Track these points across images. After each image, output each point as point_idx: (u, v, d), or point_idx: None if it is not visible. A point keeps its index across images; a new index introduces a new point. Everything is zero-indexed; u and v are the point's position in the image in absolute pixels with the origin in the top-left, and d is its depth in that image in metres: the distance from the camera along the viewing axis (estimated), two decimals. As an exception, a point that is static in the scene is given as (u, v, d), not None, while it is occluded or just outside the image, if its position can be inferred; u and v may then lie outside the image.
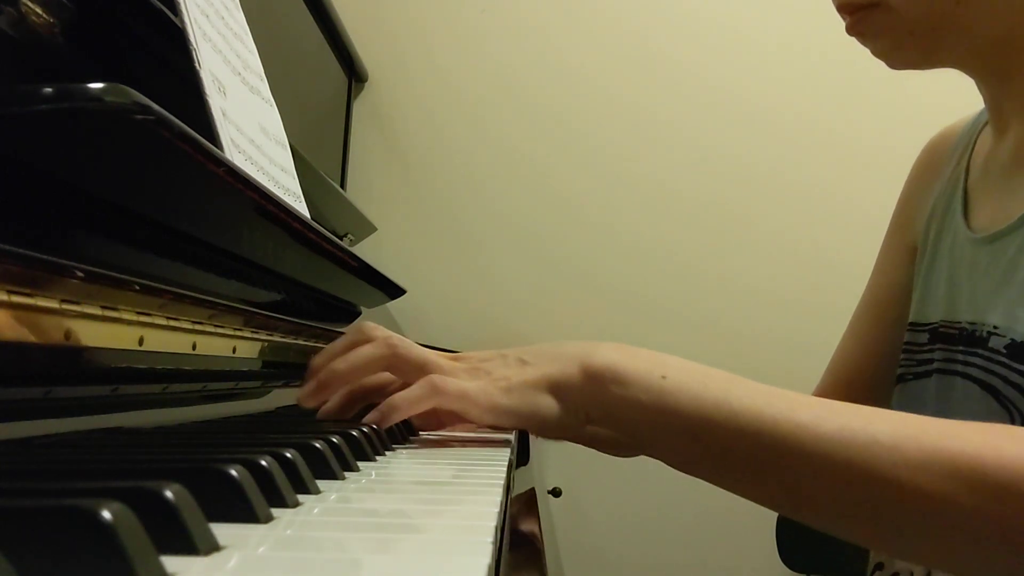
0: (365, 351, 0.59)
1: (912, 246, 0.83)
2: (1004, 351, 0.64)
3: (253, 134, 0.69)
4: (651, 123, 1.60)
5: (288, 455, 0.39)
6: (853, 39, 0.71)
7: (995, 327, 0.65)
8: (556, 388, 0.53)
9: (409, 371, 0.57)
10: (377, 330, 0.61)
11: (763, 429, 0.48)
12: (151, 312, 0.48)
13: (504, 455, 0.57)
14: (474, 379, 0.55)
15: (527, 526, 0.53)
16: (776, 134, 1.59)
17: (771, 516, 1.35)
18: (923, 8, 0.65)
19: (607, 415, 0.52)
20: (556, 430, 0.53)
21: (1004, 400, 0.64)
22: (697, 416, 0.49)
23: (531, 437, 0.74)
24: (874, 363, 0.86)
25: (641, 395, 0.50)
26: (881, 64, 0.73)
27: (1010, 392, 0.63)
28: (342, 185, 1.55)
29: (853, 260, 1.55)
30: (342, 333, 0.91)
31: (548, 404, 0.53)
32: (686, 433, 0.50)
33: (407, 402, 0.55)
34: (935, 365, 0.73)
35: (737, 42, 1.60)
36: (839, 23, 0.71)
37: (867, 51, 0.72)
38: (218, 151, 0.53)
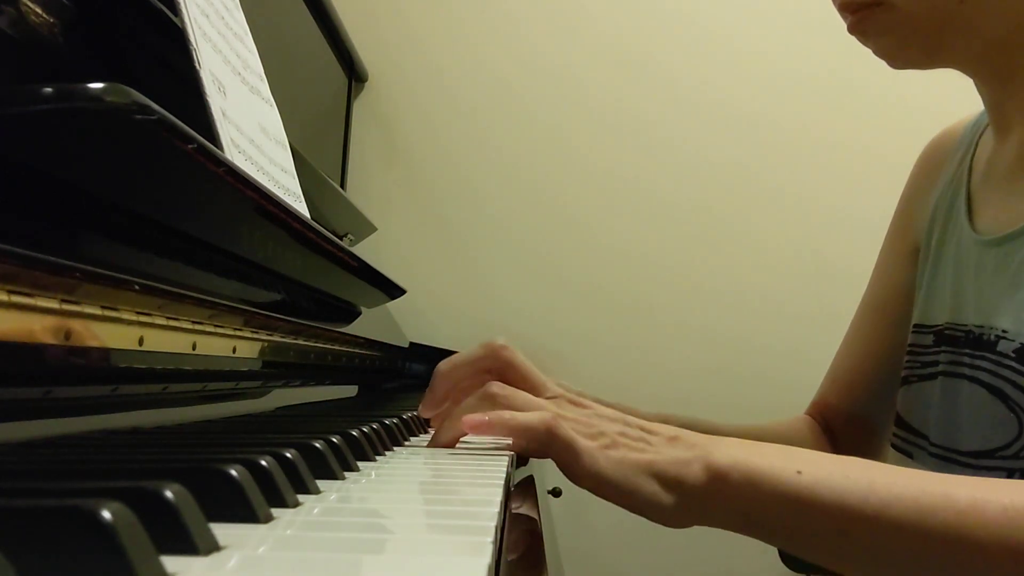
0: (473, 400, 0.57)
1: (914, 246, 0.83)
2: (1013, 355, 0.63)
3: (253, 134, 0.69)
4: (649, 128, 1.61)
5: (288, 455, 0.39)
6: (846, 44, 0.71)
7: (1004, 331, 0.65)
8: (670, 480, 0.49)
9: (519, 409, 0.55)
10: (505, 350, 0.62)
11: (922, 518, 0.45)
12: (151, 312, 0.47)
13: (504, 456, 0.57)
14: (585, 435, 0.52)
15: (527, 525, 0.53)
16: (771, 140, 1.59)
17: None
18: (927, 7, 0.64)
19: (736, 516, 0.49)
20: (657, 517, 0.50)
21: (1012, 404, 0.63)
22: (844, 511, 0.46)
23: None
24: (876, 364, 0.86)
25: (777, 494, 0.47)
26: (875, 69, 0.73)
27: (1018, 396, 0.63)
28: (342, 185, 1.55)
29: (849, 266, 1.55)
30: (342, 333, 0.91)
31: (653, 491, 0.49)
32: (832, 530, 0.47)
33: (517, 424, 0.52)
34: (940, 367, 0.72)
35: (734, 49, 1.61)
36: (833, 28, 0.70)
37: (861, 56, 0.72)
38: (218, 151, 0.53)
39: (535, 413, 0.52)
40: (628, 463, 0.50)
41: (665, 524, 0.50)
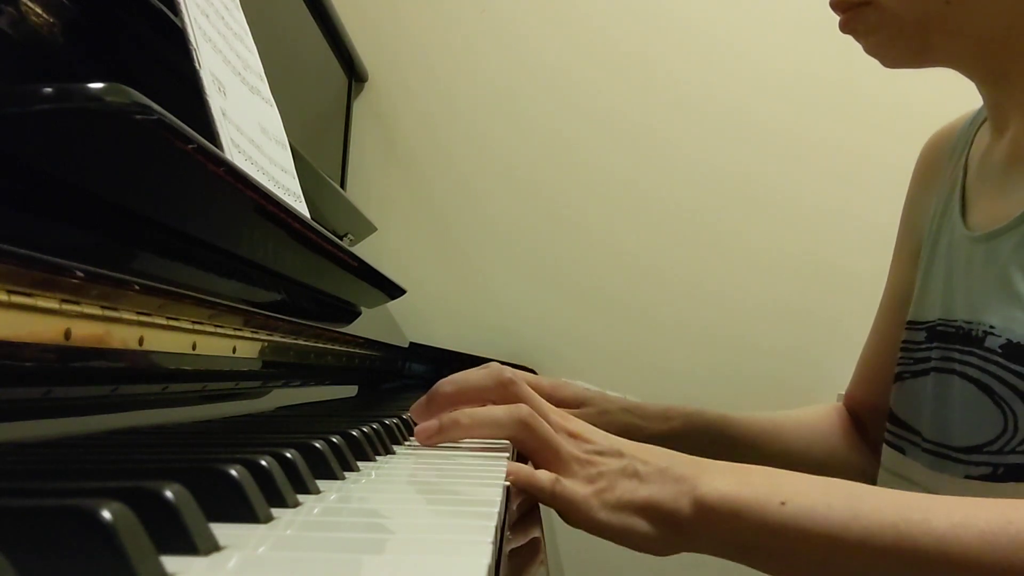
0: (497, 417, 0.57)
1: (918, 246, 0.83)
2: (1000, 351, 0.64)
3: (253, 134, 0.69)
4: (648, 130, 1.60)
5: (288, 455, 0.39)
6: (845, 46, 0.72)
7: (991, 327, 0.65)
8: (660, 517, 0.51)
9: (530, 448, 0.56)
10: (515, 386, 0.60)
11: (902, 546, 0.46)
12: (151, 312, 0.48)
13: (504, 457, 0.57)
14: (584, 476, 0.54)
15: (527, 525, 0.53)
16: (770, 143, 1.59)
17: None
18: (912, 7, 0.65)
19: (723, 547, 0.51)
20: (650, 550, 0.53)
21: (999, 400, 0.64)
22: (827, 540, 0.48)
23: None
24: (892, 360, 0.87)
25: (762, 527, 0.49)
26: (874, 70, 0.73)
27: (1005, 392, 0.63)
28: (342, 185, 1.55)
29: (847, 268, 1.56)
30: (342, 333, 0.91)
31: (645, 530, 0.51)
32: (816, 558, 0.48)
33: (530, 483, 0.53)
34: (932, 363, 0.73)
35: (730, 51, 1.60)
36: (831, 30, 0.71)
37: (860, 58, 0.72)
38: (218, 151, 0.53)
39: (545, 475, 0.53)
40: (622, 506, 0.52)
41: (656, 555, 0.53)
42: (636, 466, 0.54)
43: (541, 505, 0.55)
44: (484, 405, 0.60)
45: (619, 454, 0.55)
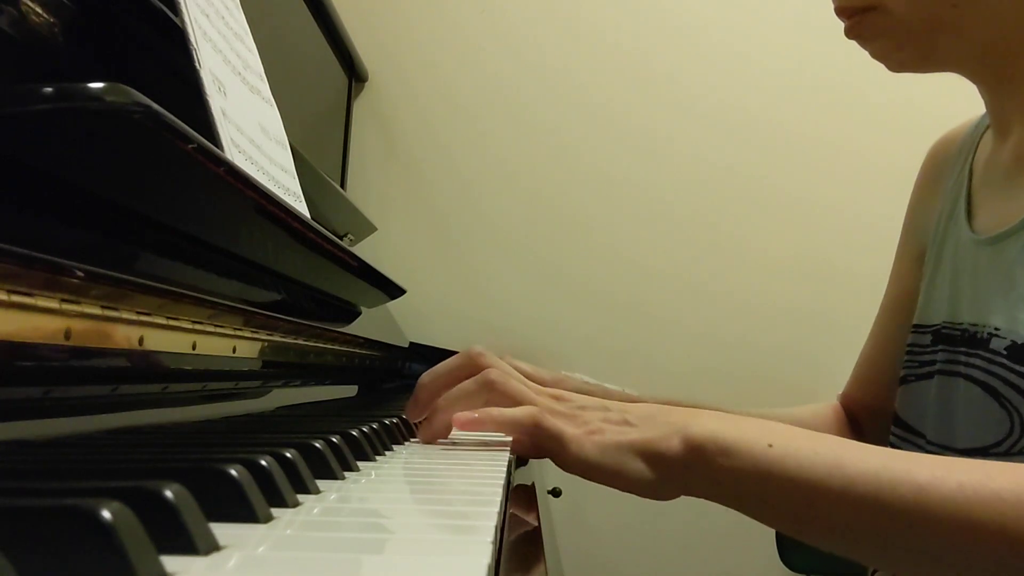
0: (465, 387, 0.59)
1: (920, 251, 0.83)
2: (1005, 352, 0.64)
3: (253, 134, 0.69)
4: (648, 130, 1.61)
5: (288, 455, 0.39)
6: (848, 48, 0.72)
7: (996, 328, 0.65)
8: (652, 455, 0.51)
9: (506, 404, 0.57)
10: (483, 357, 0.62)
11: (881, 493, 0.47)
12: (151, 312, 0.48)
13: (504, 456, 0.57)
14: (571, 425, 0.54)
15: (527, 525, 0.53)
16: (770, 143, 1.59)
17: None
18: (919, 11, 0.65)
19: (711, 487, 0.51)
20: (645, 493, 0.52)
21: (1004, 401, 0.64)
22: (810, 484, 0.48)
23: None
24: (889, 362, 0.87)
25: (748, 466, 0.49)
26: (876, 72, 0.73)
27: (1010, 393, 0.63)
28: (342, 185, 1.55)
29: (847, 268, 1.56)
30: (342, 333, 0.91)
31: (639, 468, 0.51)
32: (799, 502, 0.49)
33: (505, 419, 0.54)
34: (937, 366, 0.73)
35: (734, 54, 1.61)
36: (833, 31, 0.71)
37: (862, 61, 0.72)
38: (218, 151, 0.53)
39: (522, 408, 0.55)
40: (613, 445, 0.52)
41: (652, 497, 0.53)
42: (624, 413, 0.54)
43: (540, 507, 0.55)
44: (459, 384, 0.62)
45: (604, 408, 0.56)
